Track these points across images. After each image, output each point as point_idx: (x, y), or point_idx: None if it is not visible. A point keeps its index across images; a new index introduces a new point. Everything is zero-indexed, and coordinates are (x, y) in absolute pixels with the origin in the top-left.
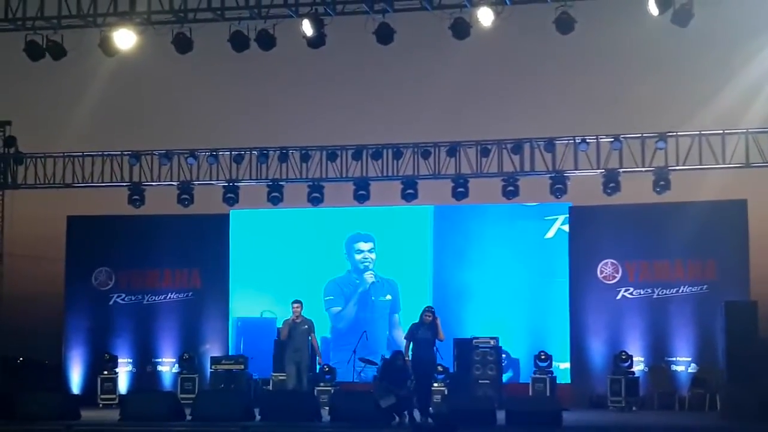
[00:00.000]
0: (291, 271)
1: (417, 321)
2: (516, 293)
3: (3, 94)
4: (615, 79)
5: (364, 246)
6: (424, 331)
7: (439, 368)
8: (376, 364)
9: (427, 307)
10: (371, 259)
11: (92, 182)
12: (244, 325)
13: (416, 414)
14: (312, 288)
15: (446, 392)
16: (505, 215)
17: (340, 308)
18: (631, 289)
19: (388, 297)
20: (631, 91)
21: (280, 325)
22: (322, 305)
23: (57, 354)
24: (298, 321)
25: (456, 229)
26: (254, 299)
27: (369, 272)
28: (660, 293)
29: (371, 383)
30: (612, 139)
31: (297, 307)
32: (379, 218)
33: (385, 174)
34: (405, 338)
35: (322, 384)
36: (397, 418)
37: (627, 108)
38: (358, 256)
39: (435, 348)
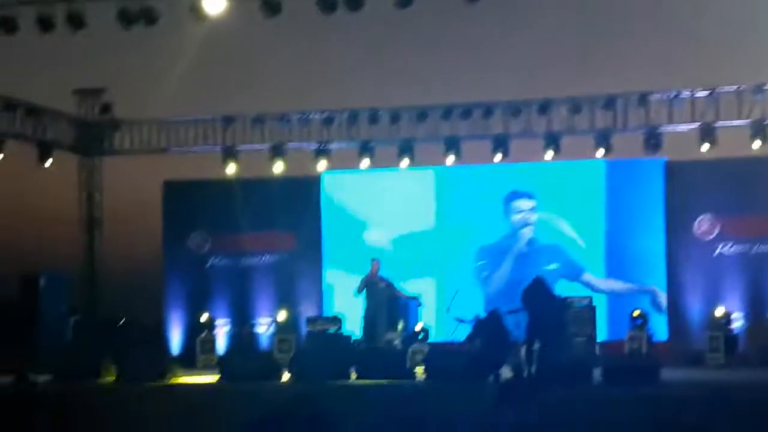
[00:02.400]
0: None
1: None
2: (614, 251)
3: (97, 61)
4: (708, 31)
5: (525, 204)
6: None
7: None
8: (470, 322)
9: None
10: (532, 219)
11: (186, 146)
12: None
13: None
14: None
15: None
16: (599, 172)
17: (487, 273)
18: (729, 245)
19: (553, 266)
20: (726, 44)
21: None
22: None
23: (157, 316)
24: (375, 278)
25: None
26: (347, 260)
27: (527, 227)
28: (758, 249)
29: (463, 343)
30: (707, 93)
31: (375, 264)
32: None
33: (475, 132)
34: None
35: (416, 343)
36: (492, 377)
37: (721, 60)
38: (516, 216)
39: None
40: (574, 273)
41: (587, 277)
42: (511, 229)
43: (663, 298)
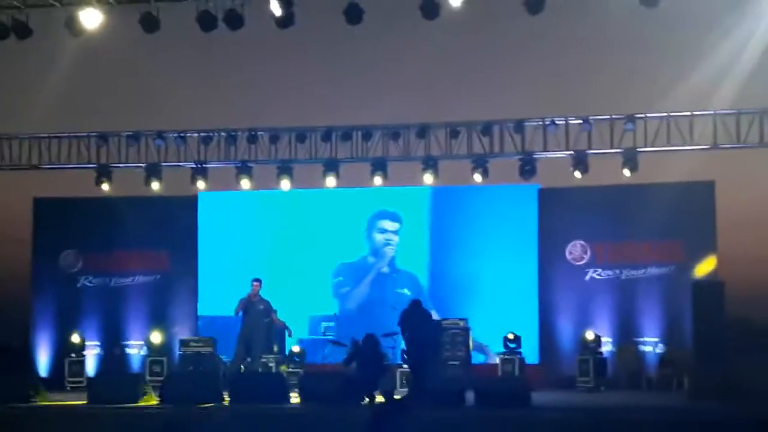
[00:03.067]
0: (259, 253)
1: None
2: (486, 275)
3: None
4: (584, 60)
5: (390, 225)
6: None
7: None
8: (346, 346)
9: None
10: (394, 241)
11: (59, 164)
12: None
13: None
14: (276, 269)
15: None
16: (474, 197)
17: (348, 288)
18: (600, 270)
19: (405, 291)
20: (600, 73)
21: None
22: (285, 286)
23: (24, 337)
24: (254, 300)
25: (422, 212)
26: (222, 283)
27: (390, 246)
28: (628, 274)
29: (341, 365)
30: (581, 121)
31: (256, 285)
32: (357, 200)
33: (354, 155)
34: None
35: (291, 366)
36: (366, 399)
37: (596, 90)
38: (380, 236)
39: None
40: None
41: None
42: (373, 248)
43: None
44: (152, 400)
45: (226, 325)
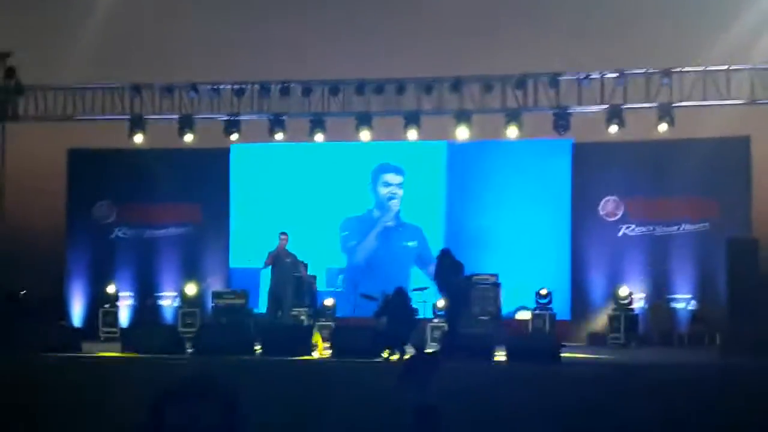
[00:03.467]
0: (291, 205)
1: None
2: (521, 229)
3: (3, 24)
4: (619, 13)
5: (393, 178)
6: None
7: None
8: (376, 299)
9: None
10: (398, 194)
11: (93, 115)
12: (237, 276)
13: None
14: (301, 222)
15: (446, 328)
16: (508, 151)
17: (355, 242)
18: (633, 226)
19: (412, 243)
20: (636, 27)
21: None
22: (313, 240)
23: (59, 287)
24: (282, 253)
25: (461, 167)
26: (253, 236)
27: (394, 200)
28: (661, 230)
29: (371, 318)
30: (616, 75)
31: (283, 239)
32: (390, 152)
33: (387, 109)
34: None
35: (322, 319)
36: (396, 353)
37: (631, 44)
38: (384, 189)
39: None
40: (425, 259)
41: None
42: (378, 202)
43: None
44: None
45: (256, 277)
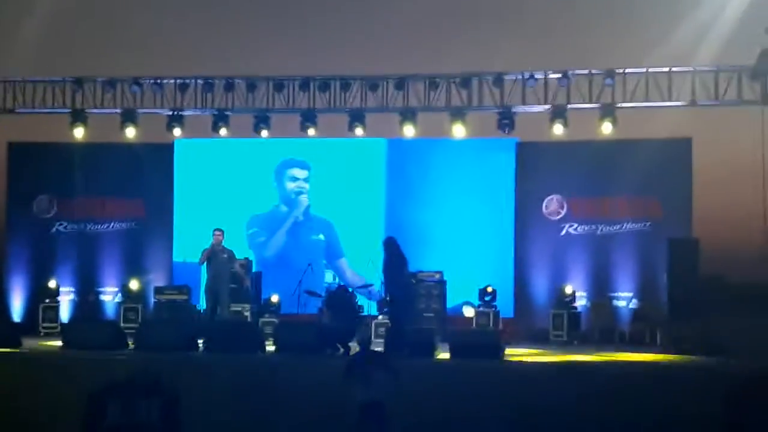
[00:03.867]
0: (233, 202)
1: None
2: (465, 227)
3: None
4: (565, 14)
5: (300, 173)
6: None
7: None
8: (321, 296)
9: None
10: (306, 189)
11: (34, 108)
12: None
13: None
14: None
15: (390, 325)
16: (452, 149)
17: (264, 239)
18: (576, 225)
19: (321, 237)
20: (581, 27)
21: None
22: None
23: None
24: (218, 249)
25: (406, 165)
26: (197, 231)
27: (303, 195)
28: (604, 230)
29: (315, 315)
30: (560, 75)
31: (218, 235)
32: (325, 149)
33: (332, 105)
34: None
35: (266, 315)
36: (341, 349)
37: (575, 44)
38: (291, 185)
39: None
40: (334, 253)
41: (341, 262)
42: (286, 197)
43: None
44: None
45: (198, 272)
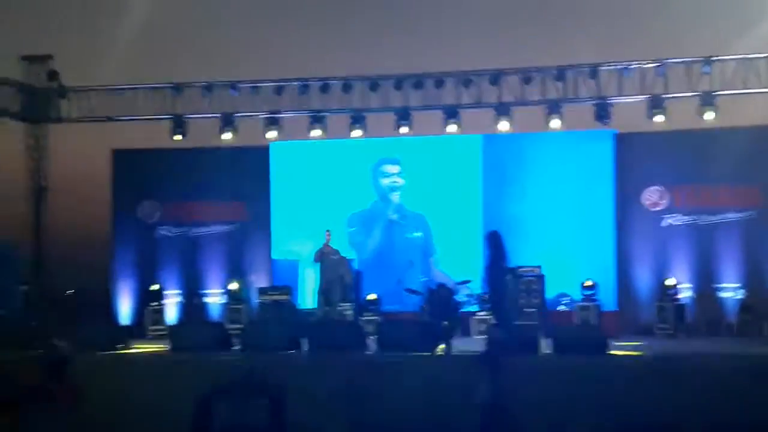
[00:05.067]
0: (330, 202)
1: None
2: (563, 221)
3: (44, 27)
4: (659, 3)
5: (392, 168)
6: None
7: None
8: (422, 294)
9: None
10: (399, 184)
11: (135, 115)
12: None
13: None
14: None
15: (492, 320)
16: (549, 143)
17: (363, 238)
18: (677, 216)
19: (419, 234)
20: (675, 15)
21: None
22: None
23: (105, 286)
24: (327, 250)
25: (502, 159)
26: (294, 232)
27: (396, 193)
28: (706, 219)
29: (417, 313)
30: (656, 65)
31: (327, 236)
32: (421, 147)
33: (426, 104)
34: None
35: (366, 314)
36: (444, 346)
37: (671, 32)
38: (385, 180)
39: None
40: (428, 251)
41: (431, 261)
42: (380, 195)
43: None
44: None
45: (296, 270)
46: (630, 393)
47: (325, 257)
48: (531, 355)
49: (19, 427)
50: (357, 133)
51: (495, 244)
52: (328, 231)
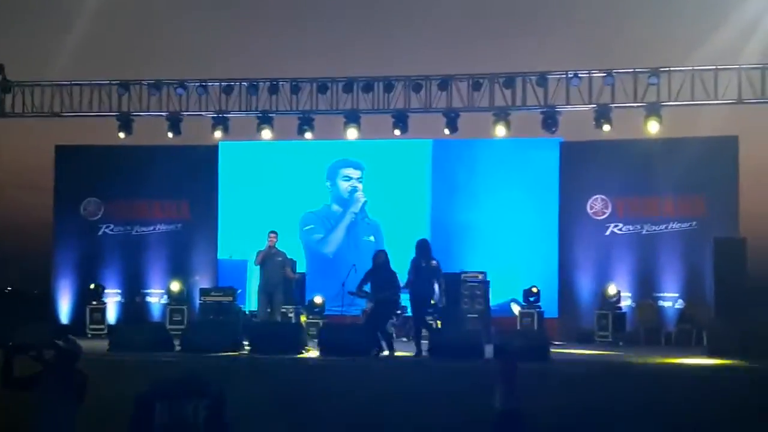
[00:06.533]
0: (278, 203)
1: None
2: (509, 228)
3: None
4: (609, 14)
5: (353, 173)
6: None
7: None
8: (366, 296)
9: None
10: (359, 188)
11: (81, 111)
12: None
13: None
14: (295, 220)
15: (436, 326)
16: (496, 149)
17: (322, 235)
18: (620, 225)
19: (371, 238)
20: (625, 26)
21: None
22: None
23: (46, 284)
24: (272, 252)
25: (452, 165)
26: (241, 233)
27: (359, 192)
28: (649, 229)
29: (360, 317)
30: (604, 75)
31: (273, 237)
32: (371, 151)
33: (375, 107)
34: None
35: (310, 316)
36: (385, 350)
37: (620, 43)
38: (345, 184)
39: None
40: None
41: None
42: (338, 197)
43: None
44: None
45: (243, 271)
46: (570, 398)
47: (268, 259)
48: (474, 360)
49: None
50: (309, 135)
51: (422, 249)
52: (273, 233)
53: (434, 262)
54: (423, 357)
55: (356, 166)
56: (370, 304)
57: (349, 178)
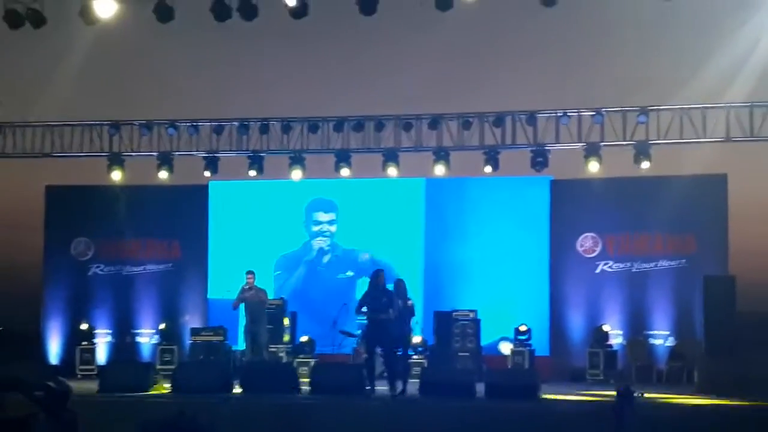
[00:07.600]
0: (268, 242)
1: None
2: (500, 266)
3: None
4: (597, 53)
5: (324, 216)
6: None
7: (419, 340)
8: (356, 336)
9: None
10: (330, 231)
11: (71, 152)
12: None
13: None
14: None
15: (426, 365)
16: (486, 188)
17: (282, 281)
18: (611, 263)
19: (349, 274)
20: (613, 65)
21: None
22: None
23: (35, 324)
24: (251, 291)
25: (445, 203)
26: (232, 273)
27: (320, 238)
28: (639, 267)
29: (351, 355)
30: (593, 113)
31: (250, 277)
32: (361, 189)
33: (366, 146)
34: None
35: (301, 356)
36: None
37: (609, 82)
38: (315, 228)
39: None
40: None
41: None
42: (311, 236)
43: None
44: (162, 389)
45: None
46: None
47: (248, 300)
48: (466, 401)
49: None
50: (297, 174)
51: (398, 288)
52: (250, 272)
53: (410, 302)
54: (397, 394)
55: (328, 209)
56: (362, 345)
57: (319, 222)
